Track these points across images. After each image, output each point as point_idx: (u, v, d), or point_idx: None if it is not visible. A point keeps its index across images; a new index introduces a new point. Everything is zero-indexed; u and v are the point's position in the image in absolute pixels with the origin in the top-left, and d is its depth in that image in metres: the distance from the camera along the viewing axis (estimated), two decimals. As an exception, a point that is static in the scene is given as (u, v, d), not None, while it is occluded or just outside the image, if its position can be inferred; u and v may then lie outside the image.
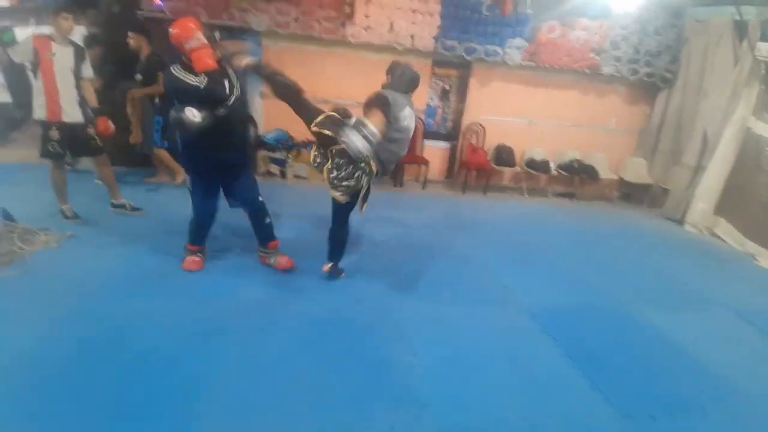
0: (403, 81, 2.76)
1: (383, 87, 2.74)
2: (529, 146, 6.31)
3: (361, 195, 2.75)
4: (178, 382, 1.98)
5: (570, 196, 6.38)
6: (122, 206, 3.85)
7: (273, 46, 5.45)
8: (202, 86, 2.55)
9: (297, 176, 5.60)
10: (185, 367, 2.08)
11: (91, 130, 3.50)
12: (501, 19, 5.53)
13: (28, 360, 2.01)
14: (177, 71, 2.58)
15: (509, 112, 6.21)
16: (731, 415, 2.24)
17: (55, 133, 3.32)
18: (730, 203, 5.30)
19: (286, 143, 5.62)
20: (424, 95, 5.98)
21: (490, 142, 6.21)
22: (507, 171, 6.27)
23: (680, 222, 5.63)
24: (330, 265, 3.04)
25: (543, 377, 2.32)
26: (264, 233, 3.11)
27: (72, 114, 3.35)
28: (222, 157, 2.79)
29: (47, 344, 2.13)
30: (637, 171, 6.43)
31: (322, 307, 2.74)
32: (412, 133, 2.83)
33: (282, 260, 3.16)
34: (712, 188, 5.39)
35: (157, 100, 4.45)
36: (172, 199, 4.35)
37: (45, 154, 3.38)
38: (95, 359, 2.06)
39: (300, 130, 5.70)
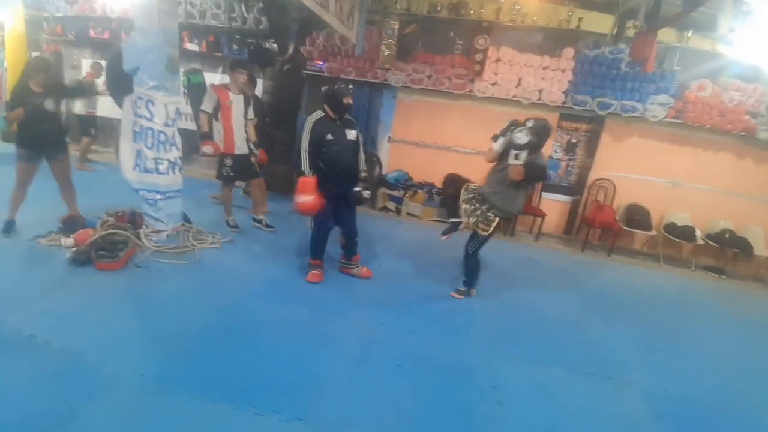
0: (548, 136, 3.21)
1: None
2: (669, 209, 5.64)
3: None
4: (295, 376, 2.32)
5: (719, 272, 5.44)
6: (259, 221, 4.61)
7: (406, 99, 6.06)
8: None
9: (410, 214, 5.94)
10: (302, 367, 2.40)
11: (253, 159, 4.33)
12: (642, 76, 5.24)
13: (189, 332, 2.57)
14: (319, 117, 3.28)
15: (646, 170, 5.69)
16: None
17: (228, 161, 4.18)
18: None
19: (405, 183, 6.06)
20: (548, 147, 5.88)
21: (620, 201, 5.74)
22: (639, 234, 5.67)
23: None
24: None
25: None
26: (352, 249, 3.70)
27: (241, 147, 4.20)
28: (341, 188, 3.38)
29: (202, 325, 2.68)
30: (811, 253, 5.20)
31: (424, 343, 2.84)
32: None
33: (362, 270, 3.75)
34: None
35: None
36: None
37: (220, 176, 4.28)
38: (235, 344, 2.53)
39: (419, 173, 6.16)
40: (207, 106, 4.05)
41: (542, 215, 5.72)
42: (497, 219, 3.28)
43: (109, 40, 6.68)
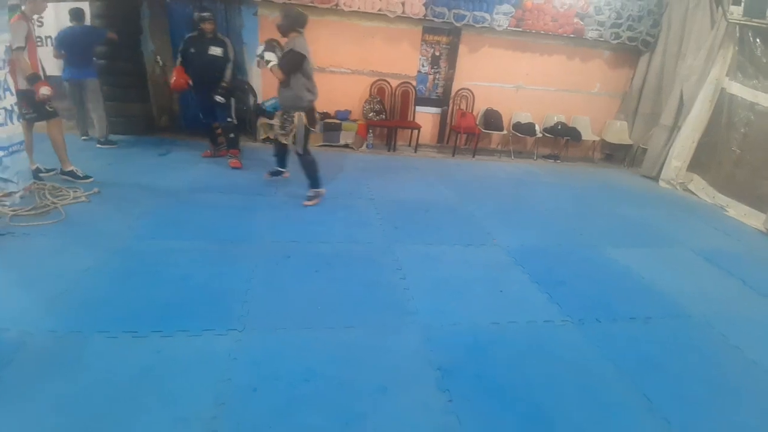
0: (299, 24, 3.62)
1: (291, 40, 3.58)
2: (516, 110, 6.62)
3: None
4: (216, 296, 2.44)
5: (554, 157, 6.75)
6: (71, 174, 3.85)
7: (270, 16, 5.66)
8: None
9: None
10: (221, 288, 2.52)
11: (44, 92, 3.53)
12: (489, -14, 5.73)
13: (82, 283, 2.44)
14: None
15: (497, 77, 6.49)
16: (671, 326, 2.68)
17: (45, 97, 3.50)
18: (703, 160, 5.67)
19: (285, 110, 5.91)
20: (415, 62, 6.24)
21: (479, 107, 6.52)
22: (495, 134, 6.61)
23: (656, 179, 6.04)
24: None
25: (511, 296, 2.78)
26: (232, 143, 4.85)
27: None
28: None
29: (97, 273, 2.55)
30: (618, 133, 6.78)
31: (333, 247, 3.19)
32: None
33: (234, 162, 4.76)
34: (686, 146, 5.76)
35: None
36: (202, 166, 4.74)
37: (47, 115, 3.63)
38: (143, 282, 2.51)
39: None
40: (21, 40, 3.37)
41: (418, 128, 6.23)
42: (296, 115, 3.65)
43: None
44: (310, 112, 3.71)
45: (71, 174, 3.87)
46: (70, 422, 1.61)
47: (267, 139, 5.89)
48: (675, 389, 2.14)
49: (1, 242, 2.79)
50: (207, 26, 4.39)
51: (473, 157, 6.38)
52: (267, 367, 1.98)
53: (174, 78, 4.41)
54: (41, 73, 3.59)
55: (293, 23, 3.56)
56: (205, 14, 4.39)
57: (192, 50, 4.39)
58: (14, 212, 3.09)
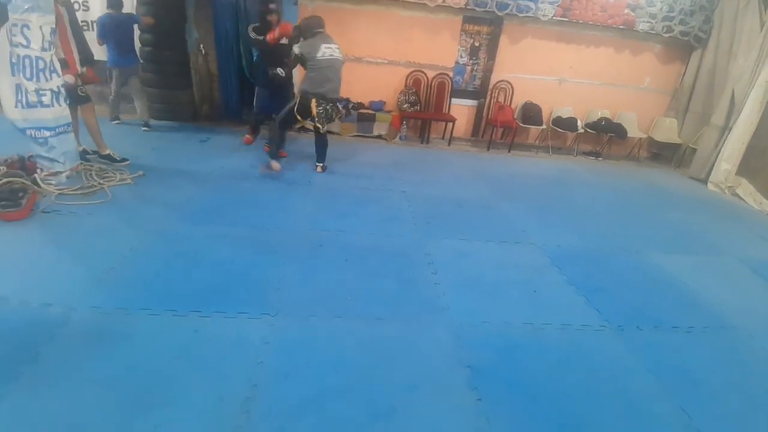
0: (310, 28, 4.07)
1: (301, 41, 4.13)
2: (557, 105, 6.38)
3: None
4: (251, 281, 2.48)
5: (596, 155, 6.47)
6: (109, 157, 3.93)
7: (309, 5, 5.68)
8: None
9: (329, 132, 5.92)
10: (256, 273, 2.57)
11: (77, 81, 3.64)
12: (534, -26, 5.51)
13: (129, 261, 2.55)
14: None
15: (539, 69, 6.26)
16: (714, 338, 2.51)
17: (78, 81, 3.60)
18: (752, 164, 5.32)
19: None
20: (453, 53, 6.10)
21: (518, 100, 6.32)
22: (532, 129, 6.39)
23: (704, 181, 5.69)
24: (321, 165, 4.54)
25: (546, 297, 2.68)
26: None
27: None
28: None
29: (140, 254, 2.65)
30: (667, 131, 6.41)
31: (361, 237, 3.18)
32: (337, 59, 4.15)
33: (281, 151, 4.63)
34: (736, 149, 5.40)
35: None
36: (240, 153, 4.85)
37: (80, 100, 3.69)
38: (183, 264, 2.58)
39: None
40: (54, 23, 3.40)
41: (453, 120, 6.12)
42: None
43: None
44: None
45: (108, 158, 3.95)
46: (110, 398, 1.67)
47: (301, 128, 5.95)
48: (715, 405, 2.01)
49: (48, 219, 2.93)
50: (273, 17, 4.46)
51: (509, 151, 6.20)
52: (298, 353, 1.99)
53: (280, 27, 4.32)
54: (76, 58, 3.58)
55: (311, 29, 4.06)
56: (271, 6, 4.43)
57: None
58: (60, 191, 3.24)
